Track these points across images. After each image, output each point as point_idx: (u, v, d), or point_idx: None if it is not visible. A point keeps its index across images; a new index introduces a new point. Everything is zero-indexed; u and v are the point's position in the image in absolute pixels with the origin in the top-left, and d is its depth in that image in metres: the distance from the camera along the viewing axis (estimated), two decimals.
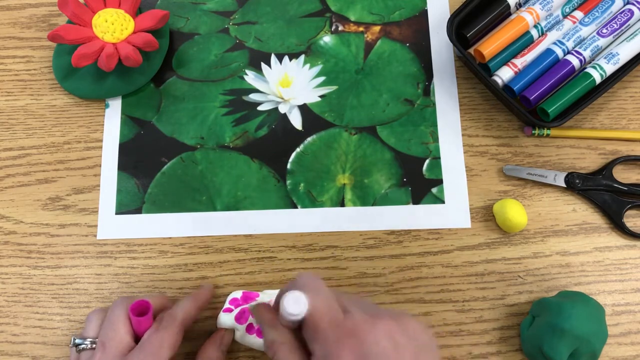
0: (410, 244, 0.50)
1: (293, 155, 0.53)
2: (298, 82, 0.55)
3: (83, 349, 0.40)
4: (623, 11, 0.51)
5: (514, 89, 0.50)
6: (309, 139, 0.53)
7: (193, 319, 0.43)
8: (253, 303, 0.44)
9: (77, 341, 0.40)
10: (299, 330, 0.34)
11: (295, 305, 0.31)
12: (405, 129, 0.53)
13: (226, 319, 0.44)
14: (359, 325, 0.31)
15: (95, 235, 0.51)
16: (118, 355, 0.38)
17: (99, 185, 0.52)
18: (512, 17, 0.52)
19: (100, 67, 0.52)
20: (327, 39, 0.56)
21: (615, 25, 0.50)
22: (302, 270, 0.49)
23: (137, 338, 0.40)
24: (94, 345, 0.39)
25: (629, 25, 0.50)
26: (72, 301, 0.49)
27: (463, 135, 0.53)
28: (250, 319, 0.44)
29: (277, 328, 0.34)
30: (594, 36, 0.50)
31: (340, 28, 0.56)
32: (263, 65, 0.55)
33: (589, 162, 0.51)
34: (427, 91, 0.54)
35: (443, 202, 0.51)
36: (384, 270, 0.49)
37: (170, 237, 0.51)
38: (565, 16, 0.52)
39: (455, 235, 0.50)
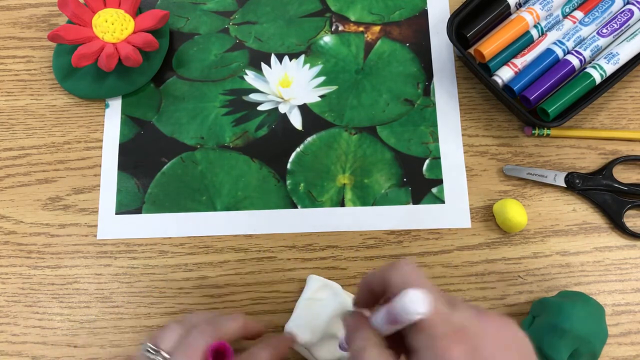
0: (410, 244, 0.50)
1: (293, 155, 0.53)
2: (298, 82, 0.55)
3: (150, 357, 0.37)
4: (623, 11, 0.51)
5: (514, 89, 0.50)
6: (309, 139, 0.53)
7: None
8: (345, 311, 0.41)
9: (150, 350, 0.37)
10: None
11: (418, 304, 0.28)
12: (405, 129, 0.53)
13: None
14: (468, 320, 0.30)
15: (95, 235, 0.51)
16: None
17: (99, 185, 0.52)
18: (512, 17, 0.52)
19: (100, 67, 0.52)
20: (327, 39, 0.56)
21: (615, 25, 0.50)
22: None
23: None
24: (159, 358, 0.37)
25: (629, 25, 0.50)
26: (72, 301, 0.49)
27: (463, 135, 0.53)
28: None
29: (368, 332, 0.32)
30: (594, 36, 0.50)
31: (340, 28, 0.56)
32: (263, 65, 0.55)
33: (589, 162, 0.51)
34: (427, 91, 0.54)
35: (443, 202, 0.51)
36: None
37: (170, 237, 0.51)
38: (565, 16, 0.52)
39: (455, 235, 0.50)
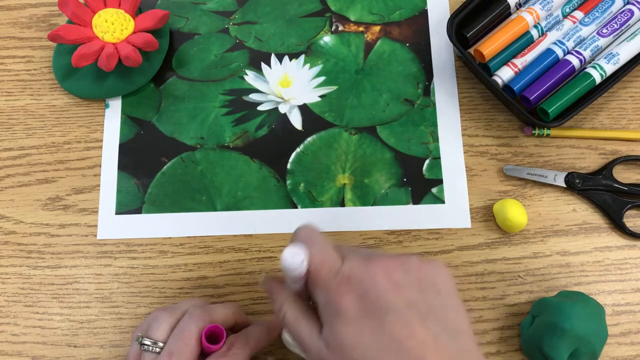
0: (410, 244, 0.50)
1: (293, 155, 0.53)
2: (298, 82, 0.55)
3: (148, 350, 0.38)
4: (623, 11, 0.51)
5: (514, 89, 0.50)
6: (309, 139, 0.53)
7: (261, 350, 0.42)
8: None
9: (145, 341, 0.38)
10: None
11: (294, 258, 0.31)
12: (405, 129, 0.53)
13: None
14: (356, 268, 0.31)
15: (95, 235, 0.51)
16: None
17: (99, 185, 0.52)
18: (512, 17, 0.52)
19: (100, 67, 0.52)
20: (327, 39, 0.56)
21: (615, 25, 0.50)
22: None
23: (202, 354, 0.39)
24: (157, 349, 0.38)
25: (629, 25, 0.50)
26: (72, 301, 0.49)
27: (463, 135, 0.53)
28: None
29: (282, 293, 0.34)
30: (594, 36, 0.50)
31: (340, 28, 0.56)
32: (263, 65, 0.55)
33: (589, 162, 0.51)
34: (427, 91, 0.54)
35: (443, 202, 0.51)
36: None
37: (170, 237, 0.51)
38: (565, 16, 0.52)
39: (455, 235, 0.50)
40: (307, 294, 0.34)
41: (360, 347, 0.29)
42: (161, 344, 0.38)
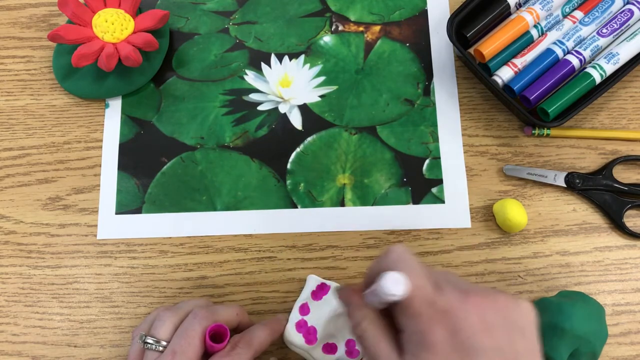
0: (410, 244, 0.50)
1: (293, 155, 0.53)
2: (298, 82, 0.55)
3: (151, 349, 0.38)
4: (623, 11, 0.51)
5: (514, 88, 0.50)
6: (309, 139, 0.53)
7: (264, 350, 0.42)
8: (335, 285, 0.43)
9: (148, 340, 0.38)
10: (385, 309, 0.33)
11: (396, 286, 0.30)
12: (405, 128, 0.53)
13: (296, 339, 0.43)
14: (450, 302, 0.30)
15: (95, 235, 0.51)
16: None
17: (99, 185, 0.52)
18: (512, 17, 0.52)
19: (100, 67, 0.52)
20: (327, 39, 0.56)
21: (615, 25, 0.50)
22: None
23: (206, 354, 0.39)
24: (160, 348, 0.38)
25: (629, 25, 0.50)
26: (72, 301, 0.49)
27: (463, 135, 0.53)
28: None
29: (363, 308, 0.33)
30: (594, 36, 0.50)
31: (340, 28, 0.56)
32: (263, 65, 0.55)
33: (589, 162, 0.51)
34: (427, 91, 0.54)
35: (443, 202, 0.51)
36: None
37: (170, 237, 0.51)
38: (565, 16, 0.52)
39: (455, 235, 0.50)
40: (385, 314, 0.33)
41: None
42: (164, 343, 0.38)
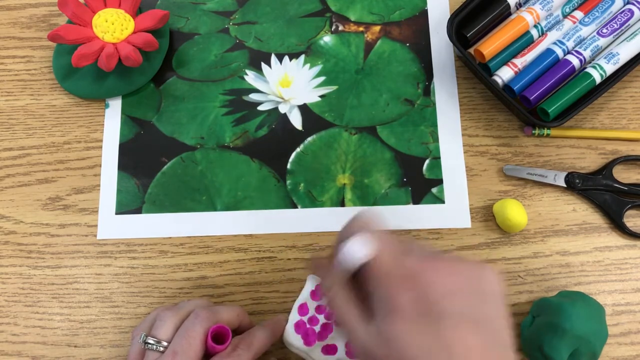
0: None
1: (293, 155, 0.53)
2: (298, 82, 0.55)
3: (151, 349, 0.38)
4: (623, 11, 0.51)
5: (514, 88, 0.50)
6: (309, 139, 0.53)
7: (264, 352, 0.41)
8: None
9: (149, 340, 0.38)
10: (357, 280, 0.33)
11: (361, 248, 0.30)
12: (405, 129, 0.53)
13: (295, 340, 0.43)
14: (417, 267, 0.30)
15: (95, 235, 0.51)
16: None
17: (99, 185, 0.52)
18: (512, 17, 0.52)
19: (100, 67, 0.52)
20: (327, 39, 0.56)
21: (615, 25, 0.50)
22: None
23: (206, 355, 0.39)
24: (161, 348, 0.38)
25: (629, 25, 0.50)
26: (72, 301, 0.49)
27: (463, 135, 0.53)
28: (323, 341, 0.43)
29: (333, 275, 0.33)
30: (594, 36, 0.50)
31: (340, 28, 0.56)
32: (263, 65, 0.55)
33: (589, 162, 0.51)
34: (427, 91, 0.54)
35: (443, 202, 0.51)
36: None
37: (170, 237, 0.51)
38: (565, 16, 0.52)
39: (455, 235, 0.50)
40: (358, 287, 0.33)
41: (411, 346, 0.29)
42: (165, 343, 0.38)
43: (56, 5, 0.58)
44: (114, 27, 0.52)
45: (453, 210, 0.50)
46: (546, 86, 0.49)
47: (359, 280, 0.33)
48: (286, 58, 0.56)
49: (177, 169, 0.53)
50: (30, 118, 0.55)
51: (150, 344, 0.38)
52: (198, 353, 0.38)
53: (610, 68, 0.49)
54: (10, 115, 0.55)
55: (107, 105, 0.55)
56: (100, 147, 0.53)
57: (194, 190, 0.52)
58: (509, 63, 0.51)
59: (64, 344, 0.48)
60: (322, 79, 0.55)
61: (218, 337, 0.40)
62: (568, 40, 0.50)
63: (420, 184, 0.51)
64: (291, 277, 0.49)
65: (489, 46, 0.51)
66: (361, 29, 0.56)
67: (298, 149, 0.53)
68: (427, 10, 0.56)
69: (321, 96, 0.54)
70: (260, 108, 0.54)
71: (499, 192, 0.51)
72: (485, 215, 0.50)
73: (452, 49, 0.55)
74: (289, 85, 0.55)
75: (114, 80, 0.54)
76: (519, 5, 0.52)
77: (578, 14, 0.52)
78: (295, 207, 0.51)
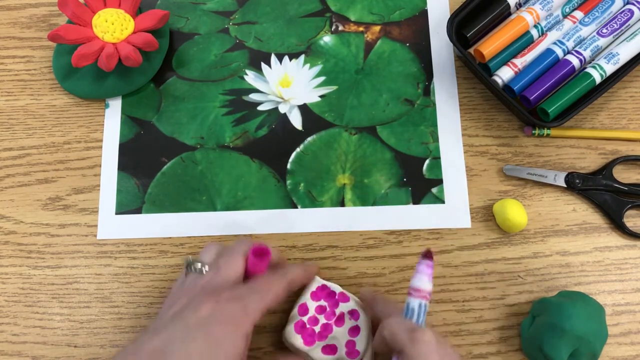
0: (410, 244, 0.50)
1: (293, 155, 0.53)
2: (298, 82, 0.55)
3: (195, 269, 0.40)
4: (623, 11, 0.51)
5: (514, 88, 0.50)
6: (309, 139, 0.53)
7: (296, 287, 0.44)
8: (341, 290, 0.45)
9: (194, 263, 0.41)
10: None
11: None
12: (405, 129, 0.53)
13: (295, 340, 0.43)
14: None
15: (95, 235, 0.51)
16: (229, 281, 0.39)
17: (99, 185, 0.52)
18: (512, 17, 0.52)
19: (100, 67, 0.52)
20: (327, 39, 0.56)
21: (615, 25, 0.50)
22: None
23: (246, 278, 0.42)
24: (204, 270, 0.40)
25: (629, 25, 0.50)
26: (72, 301, 0.49)
27: (463, 135, 0.53)
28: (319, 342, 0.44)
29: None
30: (594, 36, 0.50)
31: (340, 28, 0.56)
32: (263, 65, 0.55)
33: (589, 162, 0.51)
34: (427, 91, 0.54)
35: (443, 202, 0.51)
36: (384, 270, 0.49)
37: (170, 237, 0.51)
38: (565, 16, 0.52)
39: (455, 235, 0.50)
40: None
41: None
42: (207, 267, 0.41)
43: (56, 5, 0.58)
44: (114, 27, 0.52)
45: (453, 210, 0.50)
46: (546, 86, 0.49)
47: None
48: (286, 58, 0.56)
49: (177, 169, 0.53)
50: (30, 118, 0.55)
51: (193, 267, 0.40)
52: (238, 269, 0.40)
53: (610, 68, 0.49)
54: (10, 115, 0.55)
55: (107, 105, 0.55)
56: (100, 147, 0.53)
57: (194, 190, 0.52)
58: (509, 63, 0.51)
59: (64, 344, 0.48)
60: (322, 79, 0.55)
61: (260, 256, 0.41)
62: (568, 40, 0.50)
63: (420, 184, 0.51)
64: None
65: (489, 46, 0.51)
66: (361, 29, 0.56)
67: (298, 149, 0.53)
68: (427, 10, 0.56)
69: (321, 96, 0.54)
70: (260, 108, 0.54)
71: (499, 192, 0.51)
72: (485, 215, 0.50)
73: (452, 49, 0.55)
74: (289, 85, 0.55)
75: (114, 80, 0.54)
76: (519, 5, 0.52)
77: (578, 14, 0.52)
78: (295, 207, 0.51)
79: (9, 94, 0.55)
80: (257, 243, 0.42)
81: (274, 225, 0.51)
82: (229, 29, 0.57)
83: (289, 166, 0.52)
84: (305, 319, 0.44)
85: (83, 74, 0.54)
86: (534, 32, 0.51)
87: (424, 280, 0.38)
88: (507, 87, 0.51)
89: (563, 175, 0.50)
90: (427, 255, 0.38)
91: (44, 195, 0.52)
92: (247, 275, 0.41)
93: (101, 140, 0.54)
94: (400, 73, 0.55)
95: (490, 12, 0.52)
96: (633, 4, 0.51)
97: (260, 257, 0.41)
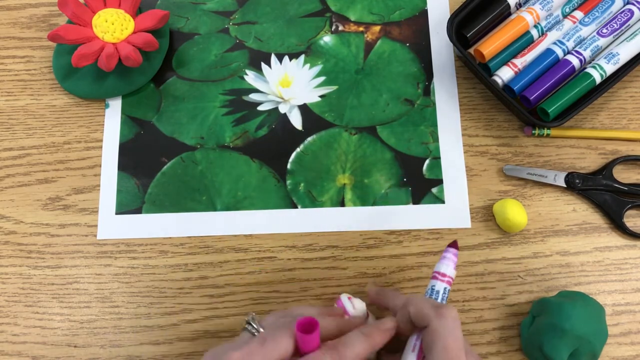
0: (410, 244, 0.50)
1: (293, 155, 0.53)
2: (298, 82, 0.55)
3: (248, 330, 0.38)
4: (623, 11, 0.51)
5: (514, 89, 0.50)
6: (309, 139, 0.53)
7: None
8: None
9: (251, 322, 0.38)
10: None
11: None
12: (405, 129, 0.53)
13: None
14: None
15: (95, 235, 0.51)
16: (272, 356, 0.35)
17: (99, 185, 0.52)
18: (512, 17, 0.52)
19: (100, 67, 0.52)
20: (327, 39, 0.56)
21: (615, 25, 0.50)
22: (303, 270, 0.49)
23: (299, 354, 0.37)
24: (256, 333, 0.38)
25: (629, 25, 0.50)
26: (72, 301, 0.49)
27: (463, 135, 0.53)
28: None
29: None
30: (594, 36, 0.50)
31: (340, 28, 0.56)
32: (263, 65, 0.55)
33: (589, 162, 0.51)
34: (427, 91, 0.54)
35: (443, 202, 0.51)
36: (384, 270, 0.49)
37: (170, 237, 0.51)
38: (565, 16, 0.52)
39: (455, 235, 0.50)
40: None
41: None
42: (262, 330, 0.38)
43: (56, 5, 0.58)
44: (114, 27, 0.52)
45: (453, 210, 0.50)
46: (546, 86, 0.49)
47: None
48: (286, 58, 0.56)
49: (177, 169, 0.53)
50: (30, 118, 0.55)
51: (250, 325, 0.38)
52: (287, 343, 0.36)
53: (610, 68, 0.49)
54: (10, 115, 0.55)
55: (107, 105, 0.55)
56: (100, 147, 0.53)
57: (194, 190, 0.52)
58: (509, 63, 0.51)
59: (64, 344, 0.48)
60: (322, 79, 0.55)
61: (308, 331, 0.36)
62: (568, 40, 0.50)
63: (420, 184, 0.51)
64: (291, 277, 0.49)
65: (489, 46, 0.51)
66: (361, 29, 0.56)
67: (298, 149, 0.53)
68: (427, 10, 0.56)
69: (321, 96, 0.54)
70: (260, 108, 0.54)
71: (499, 192, 0.51)
72: (485, 215, 0.50)
73: (452, 49, 0.55)
74: (289, 85, 0.55)
75: (114, 80, 0.54)
76: (519, 5, 0.52)
77: (578, 14, 0.52)
78: (295, 207, 0.51)
79: (9, 94, 0.55)
80: (301, 317, 0.36)
81: (274, 225, 0.51)
82: (229, 29, 0.57)
83: (289, 166, 0.52)
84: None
85: (83, 74, 0.54)
86: (534, 32, 0.51)
87: (450, 266, 0.39)
88: (507, 87, 0.51)
89: (563, 175, 0.50)
90: (454, 245, 0.40)
91: (44, 195, 0.52)
92: (300, 350, 0.36)
93: (101, 140, 0.54)
94: (400, 73, 0.55)
95: (490, 12, 0.51)
96: (633, 4, 0.51)
97: (307, 332, 0.36)
